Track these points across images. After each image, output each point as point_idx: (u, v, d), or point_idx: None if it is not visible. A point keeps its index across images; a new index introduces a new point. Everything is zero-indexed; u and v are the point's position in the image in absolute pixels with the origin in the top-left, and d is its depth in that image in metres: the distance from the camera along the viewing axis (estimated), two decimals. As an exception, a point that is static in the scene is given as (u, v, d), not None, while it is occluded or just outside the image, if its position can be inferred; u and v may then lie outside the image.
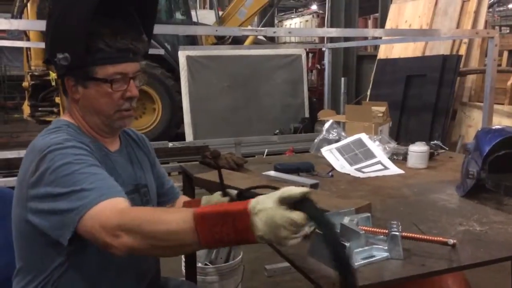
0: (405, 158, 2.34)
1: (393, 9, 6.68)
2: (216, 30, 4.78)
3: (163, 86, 7.10)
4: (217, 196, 1.45)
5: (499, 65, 5.23)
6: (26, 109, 7.45)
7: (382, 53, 6.53)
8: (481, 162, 1.70)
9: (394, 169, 2.24)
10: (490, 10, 17.71)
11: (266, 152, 5.40)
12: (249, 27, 6.57)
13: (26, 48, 7.29)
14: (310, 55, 9.95)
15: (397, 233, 1.23)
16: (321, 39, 9.81)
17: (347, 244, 1.14)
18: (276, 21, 19.76)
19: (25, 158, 1.23)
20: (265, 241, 0.96)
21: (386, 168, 2.26)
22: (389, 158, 2.35)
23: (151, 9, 1.41)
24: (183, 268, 2.51)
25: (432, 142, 2.56)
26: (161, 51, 5.95)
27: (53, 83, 6.62)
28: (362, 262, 1.19)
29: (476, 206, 1.69)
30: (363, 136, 2.49)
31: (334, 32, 4.34)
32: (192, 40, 7.63)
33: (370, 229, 1.30)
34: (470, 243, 1.33)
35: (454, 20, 5.71)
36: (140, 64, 1.34)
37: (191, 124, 6.69)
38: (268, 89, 7.23)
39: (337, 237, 0.99)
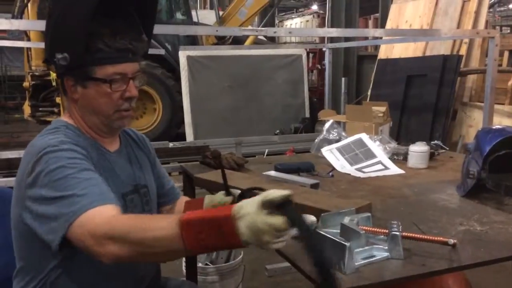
0: (405, 158, 2.34)
1: (393, 9, 6.67)
2: (217, 30, 4.79)
3: (164, 86, 7.10)
4: (220, 195, 1.44)
5: (500, 65, 5.22)
6: (27, 109, 7.46)
7: (383, 53, 6.53)
8: (482, 162, 1.70)
9: (394, 169, 2.24)
10: (491, 10, 17.72)
11: (266, 152, 5.40)
12: (250, 27, 6.56)
13: (27, 48, 7.29)
14: (311, 55, 9.96)
15: (397, 233, 1.23)
16: (322, 39, 9.82)
17: (347, 244, 1.14)
18: (276, 21, 19.76)
19: (24, 158, 1.23)
20: (251, 245, 0.96)
21: (386, 168, 2.26)
22: (389, 158, 2.35)
23: (151, 9, 1.41)
24: (183, 268, 2.51)
25: (432, 142, 2.56)
26: (162, 51, 5.95)
27: (54, 83, 6.62)
28: (363, 262, 1.19)
29: (477, 206, 1.69)
30: (364, 136, 2.48)
31: (334, 32, 4.34)
32: (193, 40, 7.63)
33: (371, 229, 1.30)
34: (470, 243, 1.33)
35: (455, 20, 5.71)
36: (140, 64, 1.34)
37: (191, 124, 6.69)
38: (269, 89, 7.22)
39: (315, 242, 0.96)
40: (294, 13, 23.01)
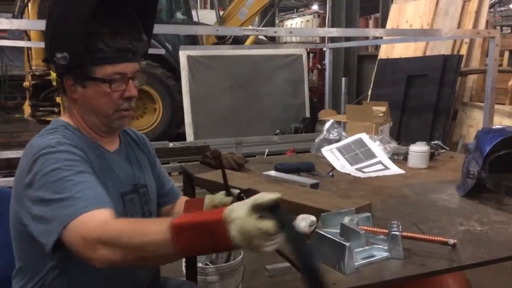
0: (405, 158, 2.34)
1: (394, 9, 6.67)
2: (217, 30, 4.80)
3: (164, 86, 7.10)
4: (220, 195, 1.44)
5: (500, 65, 5.22)
6: (27, 109, 7.46)
7: (383, 53, 6.53)
8: (482, 162, 1.70)
9: (394, 169, 2.23)
10: (491, 10, 17.72)
11: (266, 152, 5.40)
12: (250, 27, 6.56)
13: (27, 48, 7.29)
14: (311, 55, 9.95)
15: (397, 233, 1.23)
16: (322, 39, 9.80)
17: (347, 244, 1.14)
18: (277, 21, 19.76)
19: (22, 158, 1.23)
20: (242, 248, 0.96)
21: (386, 168, 2.26)
22: (389, 158, 2.35)
23: (151, 9, 1.41)
24: (183, 268, 2.51)
25: (432, 142, 2.56)
26: (162, 51, 5.95)
27: (54, 83, 6.62)
28: (362, 262, 1.19)
29: (477, 206, 1.69)
30: (364, 136, 2.48)
31: (335, 32, 4.34)
32: (193, 40, 7.63)
33: (371, 229, 1.30)
34: (470, 243, 1.33)
35: (455, 20, 5.71)
36: (140, 64, 1.34)
37: (191, 124, 6.68)
38: (269, 89, 7.22)
39: (304, 246, 0.96)
40: (294, 13, 23.00)
